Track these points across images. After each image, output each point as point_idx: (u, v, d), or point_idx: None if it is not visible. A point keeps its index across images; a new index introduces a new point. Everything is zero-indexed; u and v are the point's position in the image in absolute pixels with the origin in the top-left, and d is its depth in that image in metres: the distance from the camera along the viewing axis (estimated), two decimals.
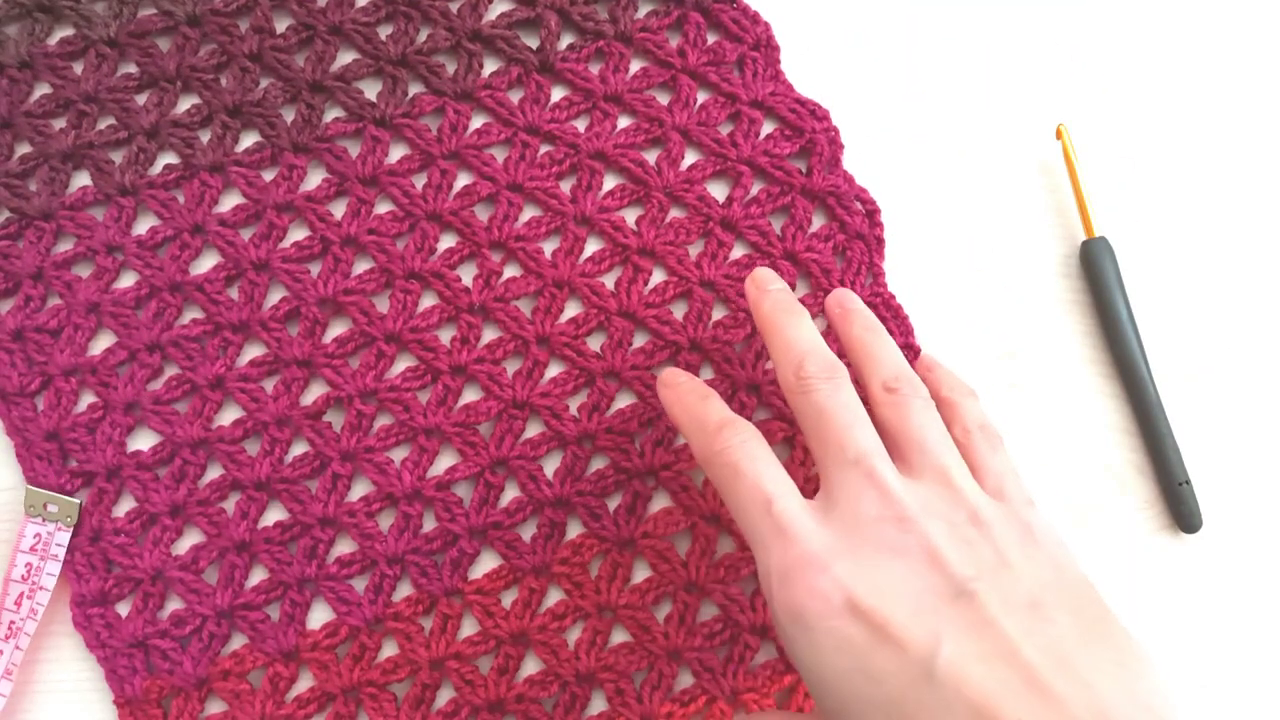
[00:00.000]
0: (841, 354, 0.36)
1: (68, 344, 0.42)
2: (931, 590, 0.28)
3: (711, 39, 0.45)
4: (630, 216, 0.43)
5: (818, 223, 0.43)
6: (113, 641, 0.40)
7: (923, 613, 0.28)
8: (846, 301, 0.37)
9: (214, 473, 0.41)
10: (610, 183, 0.43)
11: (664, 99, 0.44)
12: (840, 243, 0.43)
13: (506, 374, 0.42)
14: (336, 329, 0.43)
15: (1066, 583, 0.30)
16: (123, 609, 0.41)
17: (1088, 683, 0.26)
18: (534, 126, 0.44)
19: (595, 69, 0.45)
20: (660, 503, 0.41)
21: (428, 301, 0.43)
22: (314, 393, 0.42)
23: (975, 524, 0.30)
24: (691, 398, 0.35)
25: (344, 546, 0.41)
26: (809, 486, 0.40)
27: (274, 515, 0.41)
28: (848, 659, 0.27)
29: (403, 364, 0.42)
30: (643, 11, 0.45)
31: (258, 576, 0.41)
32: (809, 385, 0.32)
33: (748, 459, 0.32)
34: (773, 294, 0.36)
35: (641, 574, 0.40)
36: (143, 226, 0.44)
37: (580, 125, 0.44)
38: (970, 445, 0.33)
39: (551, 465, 0.41)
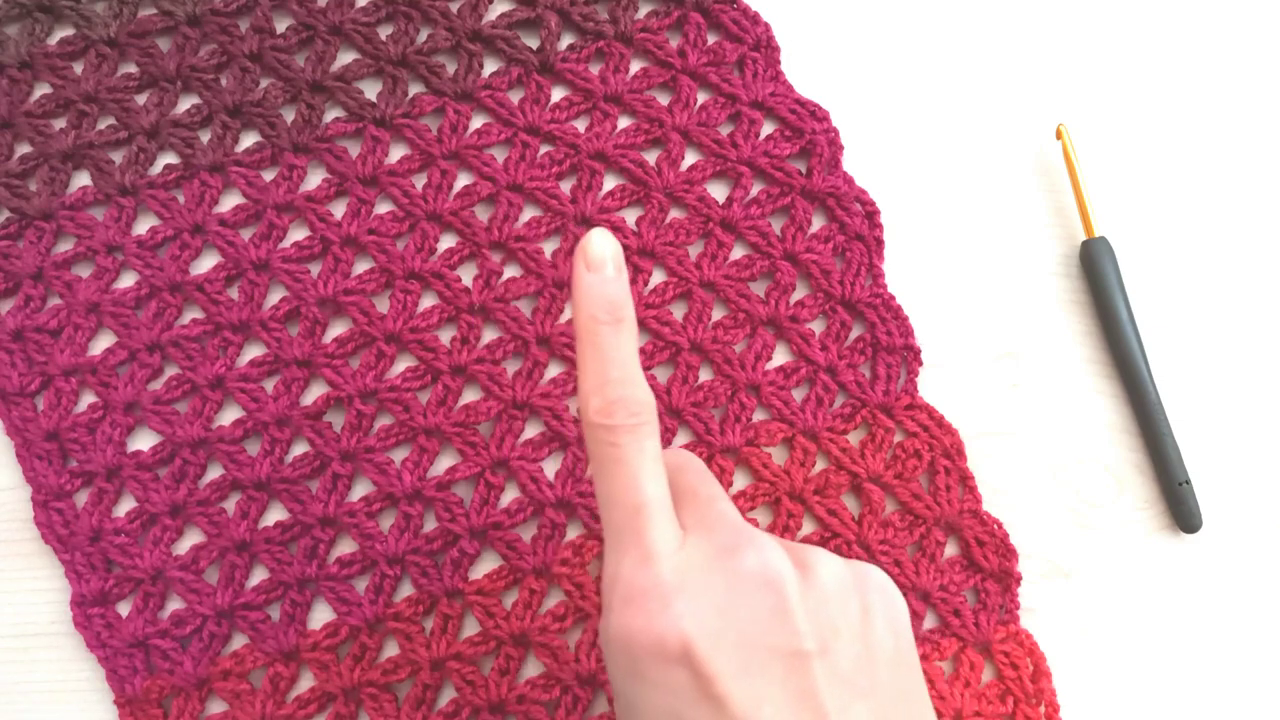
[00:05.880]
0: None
1: (68, 344, 0.42)
2: (769, 643, 0.28)
3: (712, 39, 0.45)
4: (630, 217, 0.43)
5: (817, 223, 0.43)
6: (113, 641, 0.40)
7: (752, 670, 0.27)
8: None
9: (214, 473, 0.41)
10: (610, 183, 0.43)
11: (664, 99, 0.44)
12: (840, 244, 0.43)
13: (506, 374, 0.42)
14: (336, 329, 0.43)
15: (886, 656, 0.29)
16: (123, 609, 0.41)
17: None
18: (534, 127, 0.44)
19: (595, 69, 0.45)
20: None
21: (428, 301, 0.43)
22: (314, 393, 0.42)
23: (820, 585, 0.29)
24: (604, 314, 0.30)
25: (344, 546, 0.41)
26: (808, 487, 0.40)
27: (274, 515, 0.41)
28: (667, 701, 0.27)
29: (403, 364, 0.42)
30: (643, 12, 0.45)
31: (258, 576, 0.41)
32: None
33: (635, 450, 0.29)
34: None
35: None
36: (143, 226, 0.44)
37: (580, 126, 0.44)
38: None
39: (552, 466, 0.41)
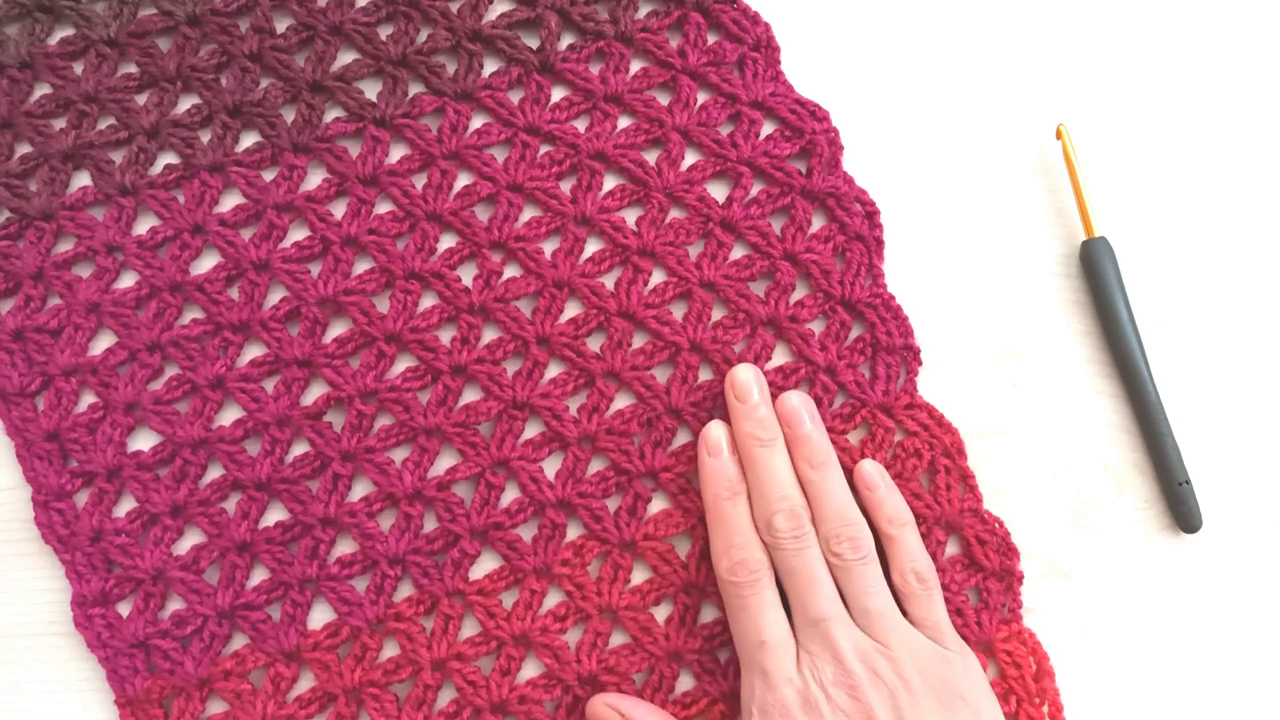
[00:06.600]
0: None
1: (68, 344, 0.42)
2: None
3: (712, 39, 0.45)
4: (630, 217, 0.43)
5: (817, 223, 0.43)
6: (114, 641, 0.40)
7: None
8: (798, 426, 0.40)
9: (214, 473, 0.41)
10: (610, 183, 0.43)
11: (664, 99, 0.44)
12: (840, 244, 0.43)
13: (506, 374, 0.42)
14: (336, 329, 0.43)
15: None
16: (124, 609, 0.41)
17: None
18: (534, 127, 0.44)
19: (595, 69, 0.45)
20: (660, 504, 0.41)
21: (428, 301, 0.43)
22: (314, 393, 0.42)
23: (910, 692, 0.36)
24: (724, 491, 0.39)
25: (345, 547, 0.41)
26: None
27: (275, 515, 0.41)
28: None
29: (403, 364, 0.42)
30: (643, 12, 0.45)
31: (259, 576, 0.41)
32: (779, 543, 0.38)
33: (756, 598, 0.37)
34: (753, 417, 0.39)
35: (642, 575, 0.40)
36: (143, 226, 0.44)
37: (580, 126, 0.44)
38: (910, 596, 0.38)
39: (552, 466, 0.41)
